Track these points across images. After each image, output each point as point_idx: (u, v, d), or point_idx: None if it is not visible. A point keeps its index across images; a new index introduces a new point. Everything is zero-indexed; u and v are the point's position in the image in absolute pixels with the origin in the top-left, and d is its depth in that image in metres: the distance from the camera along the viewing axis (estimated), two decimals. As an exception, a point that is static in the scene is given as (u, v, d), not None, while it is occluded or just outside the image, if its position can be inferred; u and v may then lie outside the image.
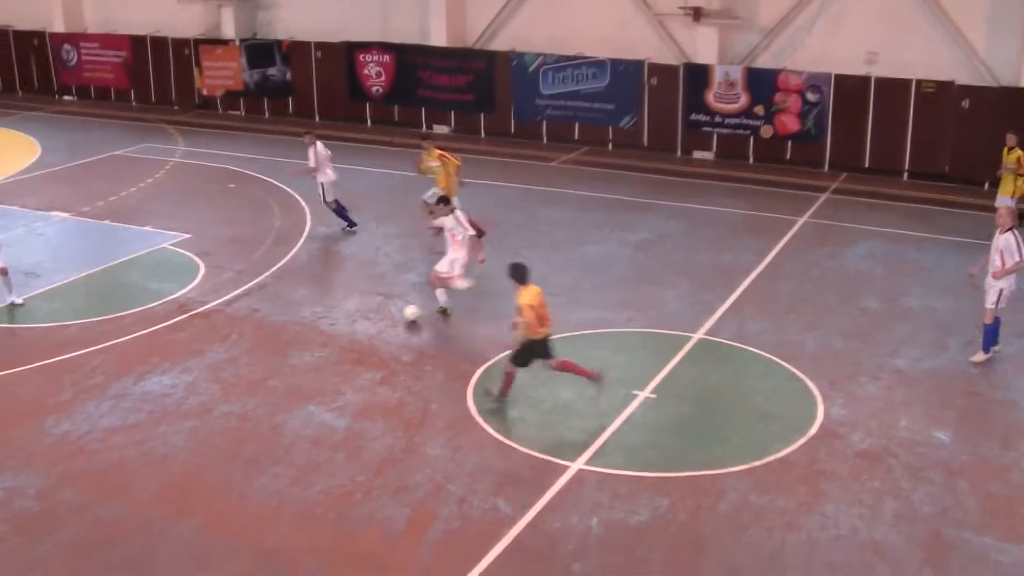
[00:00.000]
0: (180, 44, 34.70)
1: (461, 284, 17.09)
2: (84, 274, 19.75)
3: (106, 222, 22.85)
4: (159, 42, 35.17)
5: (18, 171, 28.12)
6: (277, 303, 17.99)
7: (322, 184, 21.72)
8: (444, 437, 13.41)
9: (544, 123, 29.76)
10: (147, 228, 22.18)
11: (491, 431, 13.48)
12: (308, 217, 22.58)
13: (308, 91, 32.85)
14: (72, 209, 23.81)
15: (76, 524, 11.67)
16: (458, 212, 17.52)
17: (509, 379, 14.23)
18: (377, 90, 31.75)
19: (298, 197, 23.94)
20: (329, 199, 21.77)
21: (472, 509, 11.75)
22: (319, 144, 21.87)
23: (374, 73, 31.65)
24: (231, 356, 15.92)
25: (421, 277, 19.00)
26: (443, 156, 20.52)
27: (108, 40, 36.44)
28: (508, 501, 11.88)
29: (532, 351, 14.03)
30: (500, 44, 30.40)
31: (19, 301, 18.08)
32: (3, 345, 16.69)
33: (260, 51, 33.13)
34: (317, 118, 32.60)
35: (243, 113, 33.70)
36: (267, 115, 33.50)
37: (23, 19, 38.68)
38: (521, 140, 29.82)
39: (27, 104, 37.31)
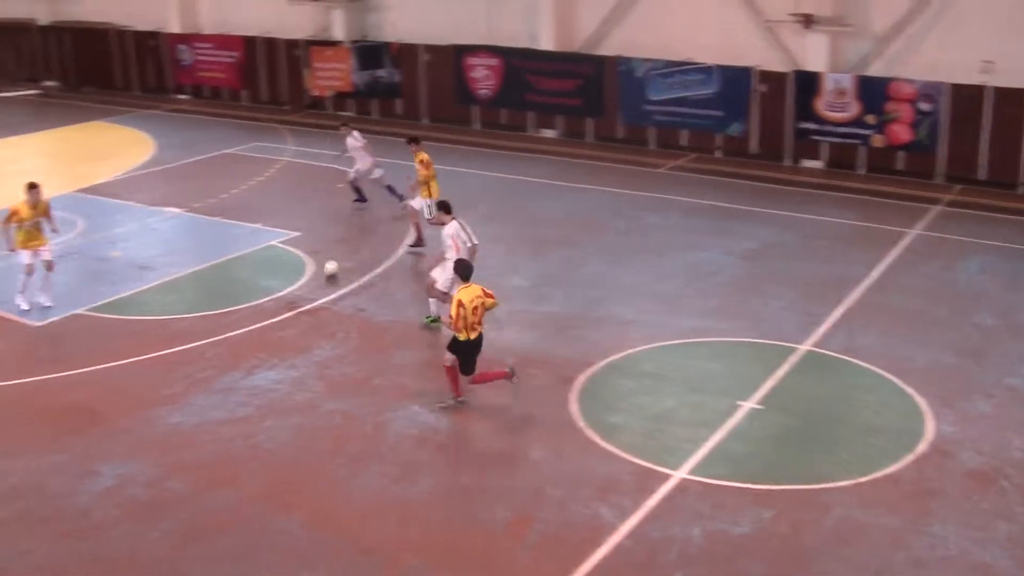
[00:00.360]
0: (291, 45, 35.25)
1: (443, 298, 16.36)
2: (196, 269, 20.16)
3: (217, 218, 23.30)
4: (271, 43, 35.77)
5: (134, 167, 28.82)
6: (383, 302, 18.17)
7: (357, 170, 23.73)
8: (546, 441, 13.41)
9: (651, 129, 29.63)
10: (257, 225, 22.56)
11: (593, 436, 13.43)
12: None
13: (416, 93, 33.14)
14: (185, 205, 24.31)
15: (183, 513, 11.91)
16: (460, 220, 16.89)
17: (450, 374, 14.16)
18: (484, 93, 31.90)
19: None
20: (351, 177, 23.92)
21: (573, 514, 11.72)
22: (354, 133, 24.10)
23: (481, 76, 31.80)
24: (337, 354, 16.11)
25: (526, 280, 19.06)
26: (424, 162, 20.51)
27: (222, 40, 37.15)
28: (609, 507, 11.83)
29: (461, 351, 14.02)
30: (607, 49, 30.33)
31: (26, 307, 18.20)
32: (118, 336, 17.10)
33: (370, 53, 33.51)
34: (424, 120, 32.87)
35: (352, 114, 34.07)
36: (375, 116, 33.85)
37: (141, 20, 39.62)
38: (628, 145, 29.72)
39: (143, 102, 38.21)
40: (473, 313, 13.82)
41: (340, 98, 34.61)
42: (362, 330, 17.07)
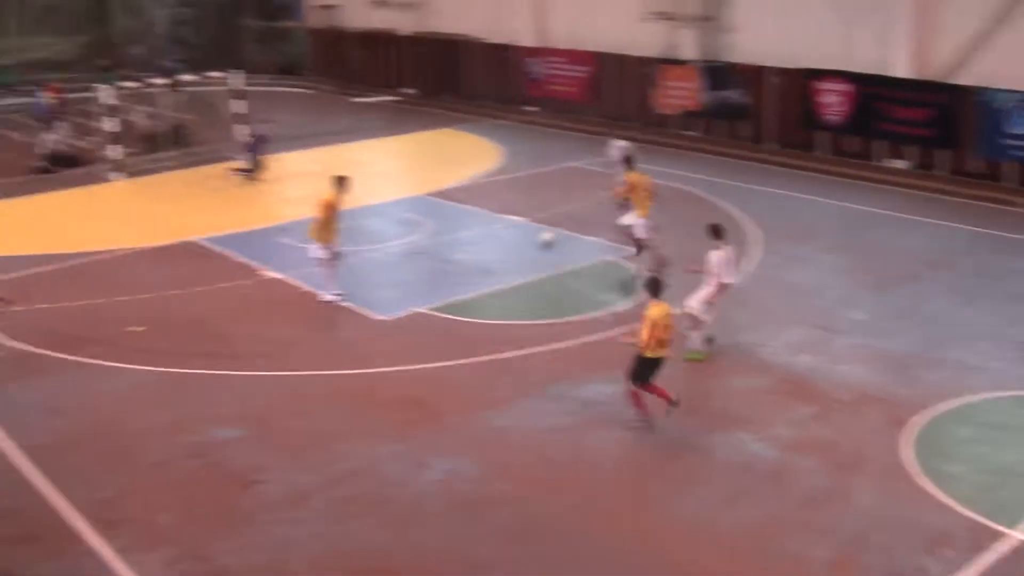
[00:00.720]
0: (640, 62, 35.46)
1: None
2: (534, 278, 20.56)
3: (559, 229, 23.69)
4: (621, 59, 36.11)
5: (481, 174, 29.81)
6: (719, 326, 17.90)
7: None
8: (875, 483, 12.78)
9: (1011, 164, 27.89)
10: (597, 239, 22.78)
11: (926, 484, 12.69)
12: (756, 243, 22.33)
13: (762, 116, 32.59)
14: (527, 215, 24.88)
15: (507, 514, 12.15)
16: (730, 251, 16.73)
17: (636, 399, 14.10)
18: (833, 119, 31.00)
19: (745, 221, 23.78)
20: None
21: (897, 563, 11.13)
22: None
23: (831, 102, 30.91)
24: (669, 373, 15.97)
25: (865, 313, 18.33)
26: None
27: (573, 55, 37.85)
28: (937, 561, 11.15)
29: (647, 369, 13.95)
30: (965, 78, 28.77)
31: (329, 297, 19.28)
32: (455, 336, 17.67)
33: (718, 73, 33.25)
34: (769, 143, 32.29)
35: (698, 133, 33.93)
36: (721, 137, 33.56)
37: (496, 33, 40.94)
38: (983, 180, 28.07)
39: (494, 112, 39.45)
40: (664, 331, 13.82)
41: (686, 117, 34.53)
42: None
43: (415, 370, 16.29)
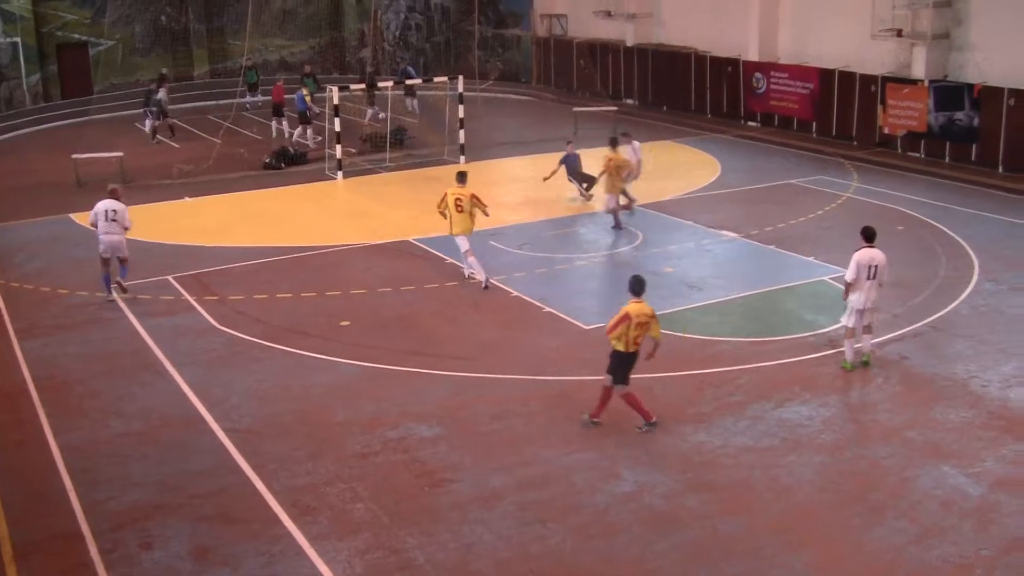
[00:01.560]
0: (867, 80, 34.56)
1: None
2: (743, 294, 20.35)
3: (772, 247, 23.38)
4: (847, 77, 35.29)
5: (698, 188, 29.63)
6: (929, 354, 17.35)
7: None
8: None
9: None
10: (810, 259, 22.37)
11: None
12: (976, 271, 21.51)
13: (995, 139, 31.29)
14: (741, 231, 24.62)
15: (694, 531, 12.08)
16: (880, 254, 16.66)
17: (632, 402, 14.66)
18: (1072, 144, 29.53)
19: (968, 248, 22.93)
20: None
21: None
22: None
23: (1072, 127, 29.48)
24: (873, 399, 15.61)
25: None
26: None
27: (797, 71, 37.21)
28: None
29: (624, 365, 14.55)
30: None
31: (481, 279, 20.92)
32: (659, 351, 17.58)
33: (949, 94, 32.09)
34: (1000, 168, 31.00)
35: (922, 155, 32.85)
36: (947, 160, 32.39)
37: (721, 46, 40.59)
38: None
39: (713, 126, 39.14)
40: (636, 328, 14.38)
41: (912, 138, 33.47)
42: (903, 378, 16.40)
43: (615, 380, 16.35)
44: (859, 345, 16.82)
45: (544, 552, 11.71)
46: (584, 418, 14.92)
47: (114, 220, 20.47)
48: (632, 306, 14.57)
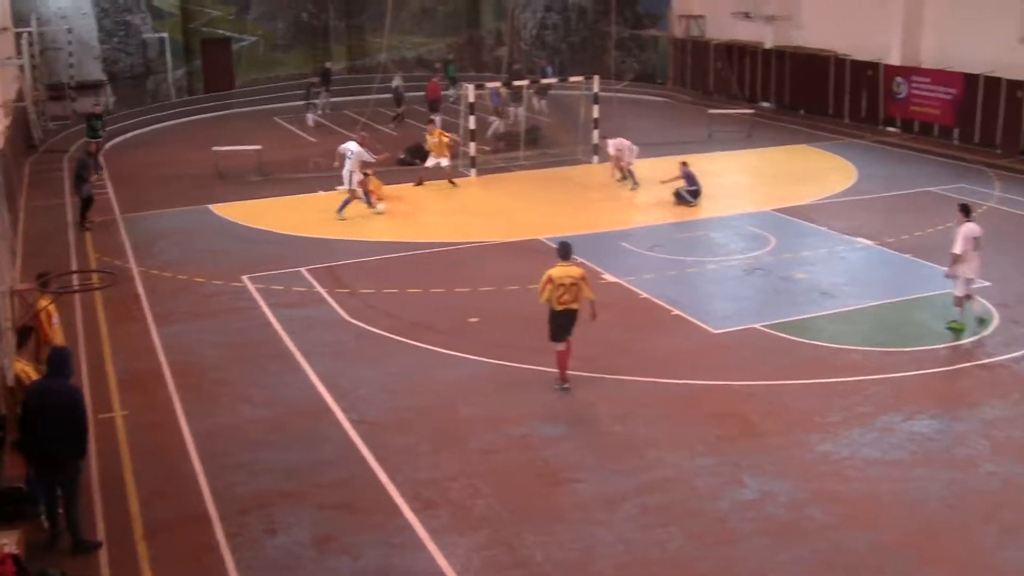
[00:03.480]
0: (1014, 86, 33.52)
1: None
2: (875, 303, 19.95)
3: (907, 256, 22.85)
4: (993, 82, 34.27)
5: (833, 194, 29.09)
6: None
7: None
8: None
9: None
10: (946, 268, 21.76)
11: None
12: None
13: None
14: (877, 238, 24.12)
15: (818, 543, 11.88)
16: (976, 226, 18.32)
17: (558, 359, 15.97)
18: None
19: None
20: None
21: None
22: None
23: None
24: (1009, 415, 15.13)
25: None
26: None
27: (940, 76, 36.27)
28: None
29: (556, 323, 15.82)
30: None
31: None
32: (788, 356, 17.41)
33: (1102, 102, 31.01)
34: None
35: (1066, 165, 31.77)
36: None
37: (862, 49, 39.77)
38: None
39: (850, 131, 38.39)
40: (560, 288, 15.64)
41: (1059, 147, 32.41)
42: (1042, 395, 15.91)
43: (742, 386, 16.19)
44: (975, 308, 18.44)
45: (663, 557, 11.65)
46: (556, 387, 16.05)
47: (349, 158, 26.49)
48: (556, 269, 15.87)
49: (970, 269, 18.09)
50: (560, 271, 15.84)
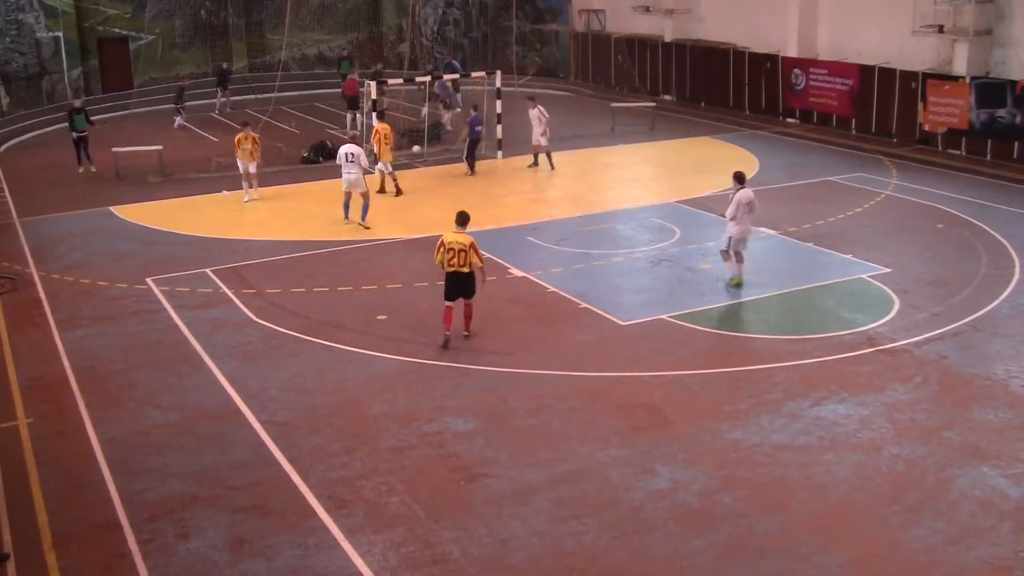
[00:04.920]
0: (908, 77, 34.28)
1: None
2: (780, 292, 20.26)
3: (809, 245, 23.24)
4: (887, 73, 35.02)
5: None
6: (968, 353, 17.21)
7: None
8: None
9: None
10: (848, 256, 22.23)
11: None
12: (1017, 269, 21.28)
13: (1036, 136, 30.99)
14: (779, 228, 24.48)
15: (729, 528, 12.04)
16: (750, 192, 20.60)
17: (444, 314, 17.57)
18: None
19: (1009, 247, 22.70)
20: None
21: None
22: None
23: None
24: (911, 399, 15.49)
25: None
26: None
27: (837, 67, 36.96)
28: None
29: (448, 283, 17.49)
30: None
31: None
32: (694, 345, 17.63)
33: (991, 90, 31.79)
34: (1042, 166, 30.71)
35: (963, 153, 32.57)
36: (989, 158, 32.09)
37: (760, 42, 40.38)
38: None
39: (752, 122, 38.98)
40: (450, 252, 17.24)
41: (952, 135, 33.19)
42: (941, 378, 16.26)
43: (652, 376, 16.33)
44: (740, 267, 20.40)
45: (578, 548, 11.71)
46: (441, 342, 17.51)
47: (352, 161, 25.09)
48: (448, 235, 17.40)
49: (738, 231, 20.19)
50: (451, 237, 17.38)
